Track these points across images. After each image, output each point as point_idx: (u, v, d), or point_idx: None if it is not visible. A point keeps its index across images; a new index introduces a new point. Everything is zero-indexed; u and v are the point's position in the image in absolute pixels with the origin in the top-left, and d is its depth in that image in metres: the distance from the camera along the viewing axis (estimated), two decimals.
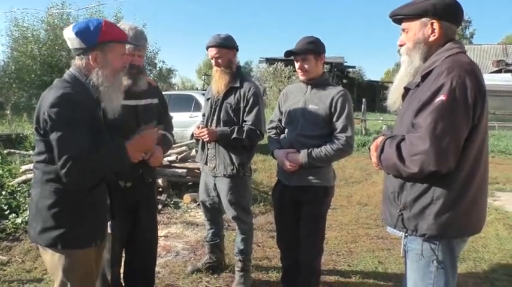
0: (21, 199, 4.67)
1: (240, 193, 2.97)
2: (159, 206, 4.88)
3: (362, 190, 6.47)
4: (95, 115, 1.82)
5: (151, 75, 20.68)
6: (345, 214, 5.13)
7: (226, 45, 2.87)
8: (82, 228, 1.81)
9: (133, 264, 2.56)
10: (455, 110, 1.48)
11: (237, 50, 2.96)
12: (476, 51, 28.70)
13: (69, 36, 1.80)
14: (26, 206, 4.42)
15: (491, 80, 15.61)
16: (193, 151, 5.77)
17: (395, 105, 1.82)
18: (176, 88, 28.66)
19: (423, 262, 1.64)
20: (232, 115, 2.91)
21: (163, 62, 24.53)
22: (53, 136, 1.67)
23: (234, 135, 2.83)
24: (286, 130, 2.68)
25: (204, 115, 3.17)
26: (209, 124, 3.00)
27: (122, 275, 2.62)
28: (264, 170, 7.40)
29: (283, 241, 2.79)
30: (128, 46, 2.24)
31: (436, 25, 1.64)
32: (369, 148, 1.82)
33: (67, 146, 1.67)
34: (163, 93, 3.18)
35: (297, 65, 2.57)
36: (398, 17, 1.74)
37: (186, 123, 8.87)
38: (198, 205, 4.56)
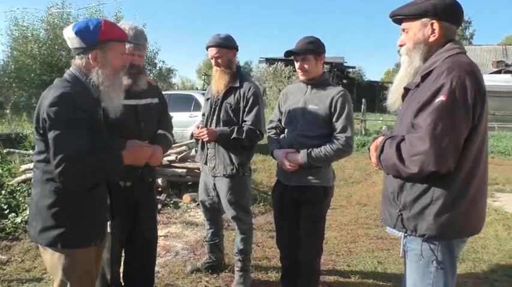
0: (20, 199, 4.67)
1: (240, 192, 2.97)
2: (159, 206, 4.88)
3: (361, 190, 6.48)
4: (95, 115, 1.82)
5: (151, 75, 20.69)
6: (345, 214, 5.13)
7: (226, 45, 2.87)
8: (82, 228, 1.81)
9: (133, 264, 2.56)
10: (455, 110, 1.48)
11: (237, 50, 2.96)
12: (476, 52, 28.71)
13: (69, 36, 1.80)
14: (26, 205, 4.42)
15: (491, 80, 15.60)
16: (193, 150, 5.77)
17: (395, 106, 1.82)
18: (176, 88, 28.67)
19: (422, 262, 1.64)
20: (232, 115, 2.91)
21: (163, 61, 24.64)
22: (51, 135, 1.68)
23: (234, 135, 2.83)
24: (286, 130, 2.68)
25: (203, 115, 3.17)
26: (209, 124, 3.00)
27: (121, 275, 2.62)
28: (264, 170, 7.40)
29: (282, 241, 2.79)
30: (128, 46, 2.25)
31: (436, 25, 1.64)
32: (369, 148, 1.82)
33: (63, 145, 1.67)
34: (163, 93, 3.18)
35: (296, 65, 2.57)
36: (399, 17, 1.74)
37: (186, 123, 8.88)
38: (198, 204, 4.56)
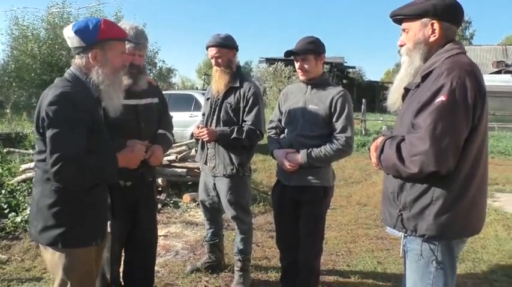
0: (20, 198, 4.67)
1: (240, 192, 2.97)
2: (159, 206, 4.88)
3: (361, 190, 6.48)
4: (95, 115, 1.82)
5: (151, 74, 20.68)
6: (345, 214, 5.13)
7: (226, 45, 2.87)
8: (82, 227, 1.81)
9: (132, 263, 2.56)
10: (455, 110, 1.48)
11: (237, 49, 2.96)
12: (476, 52, 28.69)
13: (69, 35, 1.81)
14: (26, 205, 4.42)
15: (491, 81, 15.60)
16: (193, 150, 5.77)
17: (395, 106, 1.82)
18: (176, 88, 28.67)
19: (422, 263, 1.64)
20: (232, 115, 2.91)
21: (163, 61, 24.61)
22: (48, 133, 1.68)
23: (234, 135, 2.83)
24: (286, 130, 2.68)
25: (203, 115, 3.17)
26: (209, 124, 3.00)
27: (121, 275, 2.62)
28: (264, 170, 7.40)
29: (282, 241, 2.79)
30: (128, 45, 2.25)
31: (436, 26, 1.64)
32: (369, 148, 1.82)
33: (61, 144, 1.67)
34: (163, 92, 3.18)
35: (297, 65, 2.57)
36: (399, 17, 1.74)
37: (186, 123, 8.88)
38: (198, 204, 4.56)
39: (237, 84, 2.90)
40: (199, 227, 4.41)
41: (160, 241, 3.82)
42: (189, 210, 5.04)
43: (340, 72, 31.71)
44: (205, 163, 3.04)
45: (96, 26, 1.78)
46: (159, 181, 5.18)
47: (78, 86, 1.78)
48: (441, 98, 1.49)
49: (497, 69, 24.87)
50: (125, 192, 2.37)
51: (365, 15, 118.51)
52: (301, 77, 2.59)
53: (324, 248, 2.88)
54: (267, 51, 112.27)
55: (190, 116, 9.14)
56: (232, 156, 2.90)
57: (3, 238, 3.88)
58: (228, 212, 3.03)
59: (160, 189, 5.24)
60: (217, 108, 2.95)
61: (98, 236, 1.90)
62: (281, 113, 2.73)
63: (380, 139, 1.72)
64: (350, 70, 34.83)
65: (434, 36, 1.65)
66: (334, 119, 2.50)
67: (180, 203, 5.20)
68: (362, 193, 6.30)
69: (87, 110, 1.75)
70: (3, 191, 4.80)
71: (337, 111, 2.48)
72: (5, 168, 5.79)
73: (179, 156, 5.57)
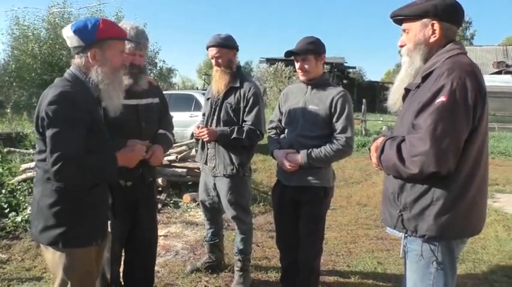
0: (21, 198, 4.68)
1: (240, 192, 2.98)
2: (159, 206, 4.88)
3: (362, 191, 6.47)
4: (95, 115, 1.82)
5: (151, 74, 20.69)
6: (345, 214, 5.13)
7: (227, 45, 2.87)
8: (83, 227, 1.82)
9: (133, 263, 2.56)
10: (455, 111, 1.48)
11: (237, 50, 2.96)
12: (477, 53, 28.69)
13: (68, 35, 1.81)
14: (26, 204, 4.43)
15: (491, 81, 15.61)
16: (193, 150, 5.77)
17: (395, 106, 1.82)
18: (176, 88, 28.69)
19: (423, 263, 1.64)
20: (232, 115, 2.91)
21: (163, 61, 24.58)
22: (48, 133, 1.68)
23: (234, 135, 2.83)
24: (286, 130, 2.68)
25: (204, 115, 3.17)
26: (209, 124, 3.01)
27: (121, 274, 2.62)
28: (264, 170, 7.40)
29: (282, 241, 2.79)
30: (129, 45, 2.25)
31: (436, 26, 1.64)
32: (369, 149, 1.82)
33: (61, 144, 1.67)
34: (164, 92, 3.18)
35: (297, 65, 2.57)
36: (399, 18, 1.74)
37: (186, 123, 8.89)
38: (198, 204, 4.56)
39: (237, 85, 2.90)
40: (199, 227, 4.41)
41: (161, 241, 3.81)
42: (189, 210, 5.04)
43: (340, 73, 31.69)
44: (206, 163, 3.05)
45: (94, 26, 1.79)
46: (160, 180, 5.18)
47: (77, 85, 1.79)
48: (441, 98, 1.49)
49: (497, 70, 24.85)
50: (126, 192, 2.37)
51: (365, 15, 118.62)
52: (302, 77, 2.59)
53: (324, 248, 2.88)
54: (268, 52, 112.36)
55: (191, 116, 9.14)
56: (233, 156, 2.90)
57: (3, 238, 3.88)
58: (228, 212, 3.03)
59: (160, 189, 5.24)
60: (217, 108, 2.95)
61: (98, 236, 1.90)
62: (281, 113, 2.73)
63: (380, 139, 1.72)
64: (350, 70, 34.83)
65: (435, 36, 1.65)
66: (334, 120, 2.50)
67: (180, 203, 5.20)
68: (362, 193, 6.29)
69: (86, 109, 1.76)
70: (3, 191, 4.80)
71: (337, 112, 2.48)
72: (5, 168, 5.80)
73: (179, 156, 5.57)
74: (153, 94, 2.54)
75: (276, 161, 2.67)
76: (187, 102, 9.51)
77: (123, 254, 2.59)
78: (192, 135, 5.72)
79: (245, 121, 2.89)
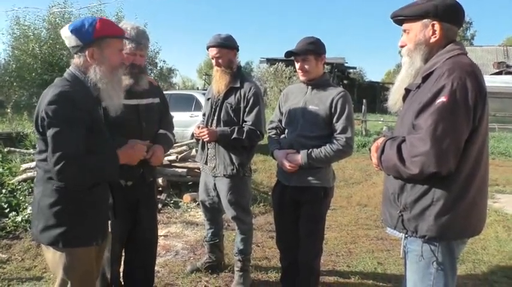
0: (21, 197, 4.68)
1: (240, 193, 2.98)
2: (159, 206, 4.88)
3: (362, 191, 6.47)
4: (94, 114, 1.83)
5: (152, 74, 20.70)
6: (345, 214, 5.13)
7: (227, 45, 2.87)
8: (83, 227, 1.82)
9: (133, 263, 2.56)
10: (455, 111, 1.48)
11: (238, 50, 2.97)
12: (477, 53, 28.69)
13: (66, 35, 1.82)
14: (26, 204, 4.43)
15: (492, 82, 15.62)
16: (194, 150, 5.77)
17: (396, 107, 1.82)
18: (177, 88, 28.68)
19: (423, 264, 1.64)
20: (232, 115, 2.91)
21: (164, 61, 24.62)
22: (49, 133, 1.68)
23: (234, 135, 2.83)
24: (286, 131, 2.68)
25: (204, 115, 3.17)
26: (209, 124, 3.01)
27: (121, 274, 2.62)
28: (264, 171, 7.41)
29: (282, 241, 2.79)
30: (129, 46, 2.26)
31: (437, 26, 1.64)
32: (369, 149, 1.82)
33: (62, 143, 1.68)
34: (164, 92, 3.19)
35: (297, 65, 2.57)
36: (400, 18, 1.74)
37: (187, 123, 8.89)
38: (198, 204, 4.56)
39: (238, 85, 2.90)
40: (199, 227, 4.41)
41: (161, 241, 3.81)
42: (189, 210, 5.05)
43: (340, 73, 31.70)
44: (206, 163, 3.05)
45: (91, 25, 1.79)
46: (160, 180, 5.18)
47: (77, 85, 1.79)
48: (442, 99, 1.49)
49: (498, 70, 24.88)
50: (126, 192, 2.37)
51: (365, 15, 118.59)
52: (302, 78, 2.59)
53: (324, 248, 2.88)
54: (268, 52, 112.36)
55: (191, 116, 9.14)
56: (233, 156, 2.90)
57: (3, 238, 3.88)
58: (228, 213, 3.03)
59: (160, 189, 5.24)
60: (217, 108, 2.95)
61: (98, 236, 1.90)
62: (281, 113, 2.73)
63: (381, 140, 1.72)
64: (351, 71, 34.83)
65: (435, 37, 1.65)
66: (334, 120, 2.50)
67: (180, 203, 5.20)
68: (362, 193, 6.29)
69: (86, 109, 1.76)
70: (3, 191, 4.80)
71: (338, 112, 2.48)
72: (5, 167, 5.80)
73: (180, 156, 5.57)
74: (154, 94, 2.54)
75: (276, 161, 2.67)
76: (188, 103, 9.51)
77: (123, 254, 2.59)
78: (193, 136, 5.71)
79: (245, 121, 2.89)
